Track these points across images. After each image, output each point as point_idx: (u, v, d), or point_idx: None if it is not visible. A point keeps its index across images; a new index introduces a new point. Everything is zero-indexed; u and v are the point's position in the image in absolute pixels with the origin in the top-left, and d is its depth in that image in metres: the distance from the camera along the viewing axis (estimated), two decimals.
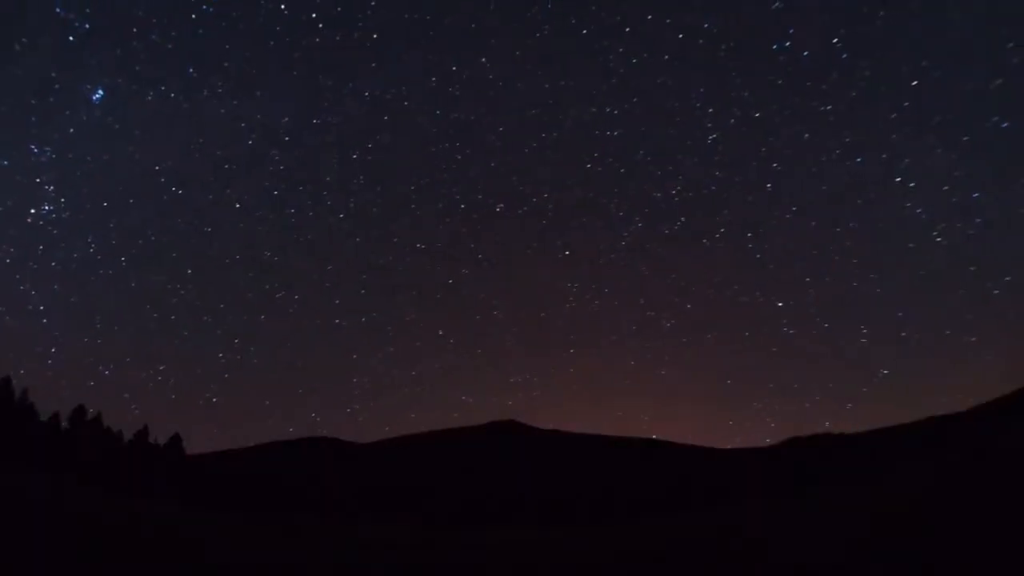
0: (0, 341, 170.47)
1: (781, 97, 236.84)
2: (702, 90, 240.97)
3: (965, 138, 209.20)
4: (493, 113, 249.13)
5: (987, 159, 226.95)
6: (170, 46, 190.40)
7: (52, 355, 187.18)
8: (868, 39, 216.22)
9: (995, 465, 24.44)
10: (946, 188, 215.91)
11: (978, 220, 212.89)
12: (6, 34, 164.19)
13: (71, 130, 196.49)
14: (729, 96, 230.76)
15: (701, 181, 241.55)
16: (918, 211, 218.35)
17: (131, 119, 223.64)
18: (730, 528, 27.52)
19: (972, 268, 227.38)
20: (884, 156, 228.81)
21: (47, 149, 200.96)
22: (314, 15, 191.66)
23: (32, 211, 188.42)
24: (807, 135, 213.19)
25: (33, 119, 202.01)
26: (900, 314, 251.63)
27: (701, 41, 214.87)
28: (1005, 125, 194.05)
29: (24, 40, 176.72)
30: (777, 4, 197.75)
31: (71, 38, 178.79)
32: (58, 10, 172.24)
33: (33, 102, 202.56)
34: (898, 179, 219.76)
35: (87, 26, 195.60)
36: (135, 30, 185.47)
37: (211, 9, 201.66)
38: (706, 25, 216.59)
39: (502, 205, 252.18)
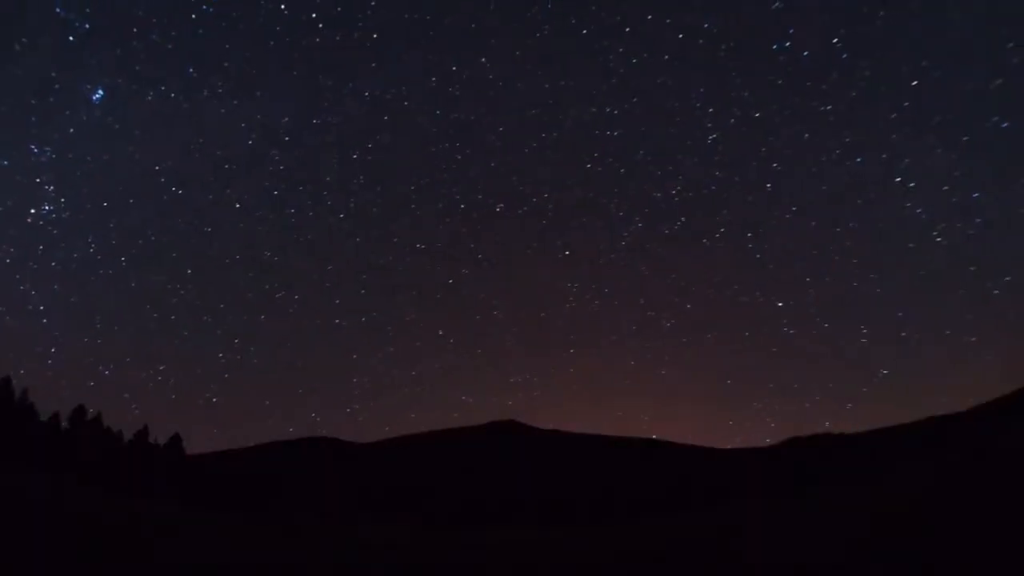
0: (0, 341, 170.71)
1: (781, 97, 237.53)
2: (702, 90, 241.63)
3: (965, 138, 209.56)
4: (493, 113, 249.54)
5: (987, 159, 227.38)
6: (170, 46, 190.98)
7: (52, 355, 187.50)
8: (868, 39, 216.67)
9: (995, 465, 24.43)
10: (946, 188, 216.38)
11: (978, 220, 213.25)
12: (6, 34, 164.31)
13: (71, 130, 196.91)
14: (729, 96, 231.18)
15: (701, 181, 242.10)
16: (918, 211, 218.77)
17: (131, 119, 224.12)
18: (730, 528, 27.51)
19: (972, 268, 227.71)
20: (884, 156, 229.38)
21: (47, 149, 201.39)
22: (314, 15, 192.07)
23: (32, 211, 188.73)
24: (807, 135, 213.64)
25: (33, 119, 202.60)
26: (900, 314, 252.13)
27: (701, 41, 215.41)
28: (1005, 125, 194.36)
29: (24, 40, 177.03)
30: (777, 4, 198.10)
31: (71, 38, 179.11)
32: (58, 10, 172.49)
33: (33, 102, 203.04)
34: (898, 179, 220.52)
35: (87, 26, 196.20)
36: (135, 30, 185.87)
37: (211, 9, 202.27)
38: (706, 25, 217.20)
39: (502, 205, 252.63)
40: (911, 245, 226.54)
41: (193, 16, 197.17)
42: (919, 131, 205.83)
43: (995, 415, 65.08)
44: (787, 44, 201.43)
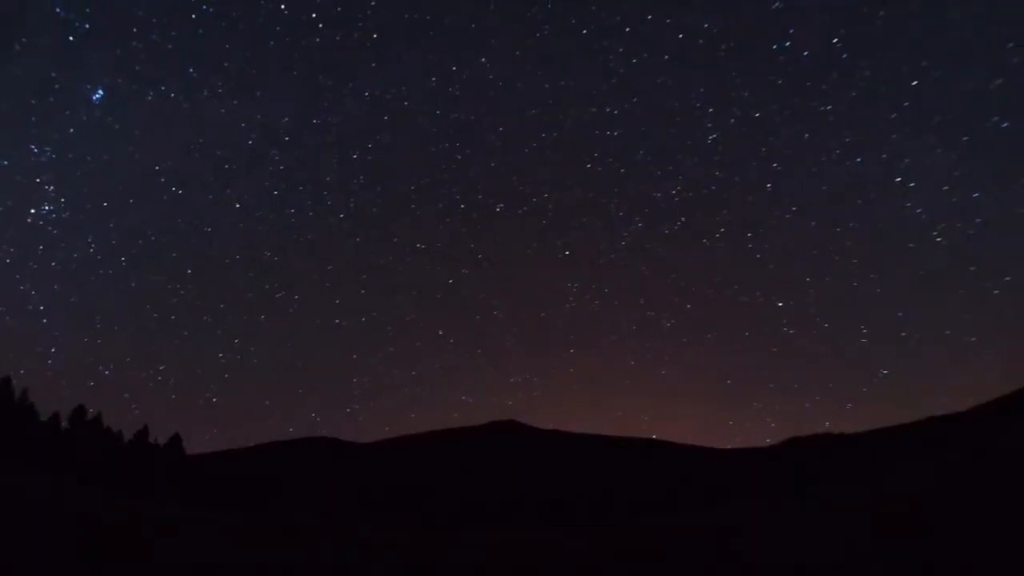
0: (0, 341, 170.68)
1: (781, 97, 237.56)
2: (702, 90, 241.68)
3: (965, 138, 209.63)
4: (493, 113, 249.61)
5: (987, 159, 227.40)
6: (170, 46, 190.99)
7: (52, 355, 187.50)
8: (868, 39, 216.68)
9: (995, 465, 24.42)
10: (946, 188, 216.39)
11: (978, 220, 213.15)
12: (6, 34, 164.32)
13: (71, 130, 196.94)
14: (729, 96, 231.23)
15: (701, 181, 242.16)
16: (918, 211, 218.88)
17: (131, 119, 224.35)
18: (730, 528, 27.51)
19: (972, 268, 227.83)
20: (884, 156, 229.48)
21: (47, 149, 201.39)
22: (314, 15, 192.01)
23: (32, 211, 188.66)
24: (807, 135, 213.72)
25: (33, 119, 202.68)
26: (900, 314, 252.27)
27: (701, 41, 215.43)
28: (1005, 125, 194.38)
29: (24, 40, 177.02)
30: (777, 4, 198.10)
31: (71, 38, 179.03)
32: (58, 10, 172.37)
33: (33, 102, 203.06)
34: (898, 179, 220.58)
35: (87, 26, 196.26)
36: (135, 30, 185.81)
37: (211, 9, 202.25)
38: (706, 25, 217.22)
39: (502, 205, 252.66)
40: (911, 245, 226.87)
41: (193, 16, 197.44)
42: (919, 131, 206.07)
43: (995, 415, 65.10)
44: (787, 44, 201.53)
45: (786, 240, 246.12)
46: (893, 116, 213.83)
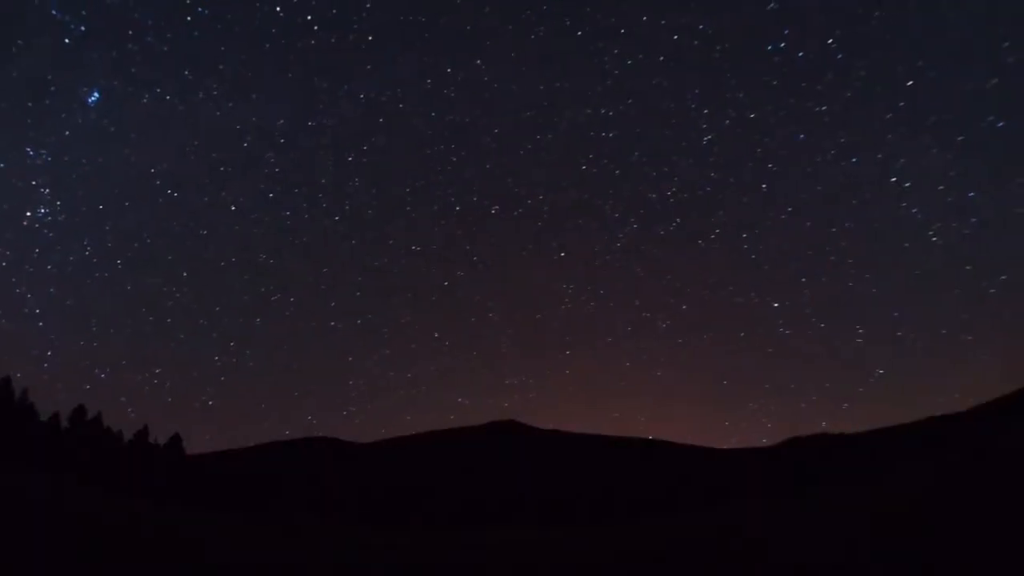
0: None
1: (776, 98, 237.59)
2: (697, 91, 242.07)
3: (960, 138, 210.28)
4: (488, 115, 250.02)
5: (983, 159, 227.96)
6: (166, 48, 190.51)
7: (48, 358, 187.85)
8: (863, 39, 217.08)
9: (995, 465, 24.44)
10: (942, 188, 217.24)
11: (974, 220, 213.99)
12: (2, 36, 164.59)
13: (67, 133, 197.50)
14: (724, 97, 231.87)
15: (696, 182, 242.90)
16: (914, 211, 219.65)
17: (127, 121, 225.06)
18: (730, 528, 27.52)
19: (968, 268, 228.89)
20: (880, 156, 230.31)
21: (43, 152, 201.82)
22: (309, 17, 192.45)
23: (28, 214, 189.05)
24: (802, 136, 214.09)
25: (29, 122, 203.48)
26: (896, 314, 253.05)
27: (696, 42, 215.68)
28: (1001, 125, 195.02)
29: (20, 42, 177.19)
30: (772, 5, 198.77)
31: (67, 40, 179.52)
32: (54, 12, 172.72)
33: (29, 104, 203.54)
34: (894, 179, 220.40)
35: (83, 28, 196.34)
36: (131, 32, 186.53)
37: (206, 11, 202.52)
38: (701, 26, 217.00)
39: (497, 207, 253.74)
40: (907, 245, 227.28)
41: (188, 19, 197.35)
42: (915, 131, 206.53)
43: (995, 415, 65.15)
44: (782, 45, 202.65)
45: (781, 240, 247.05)
46: (888, 116, 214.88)
